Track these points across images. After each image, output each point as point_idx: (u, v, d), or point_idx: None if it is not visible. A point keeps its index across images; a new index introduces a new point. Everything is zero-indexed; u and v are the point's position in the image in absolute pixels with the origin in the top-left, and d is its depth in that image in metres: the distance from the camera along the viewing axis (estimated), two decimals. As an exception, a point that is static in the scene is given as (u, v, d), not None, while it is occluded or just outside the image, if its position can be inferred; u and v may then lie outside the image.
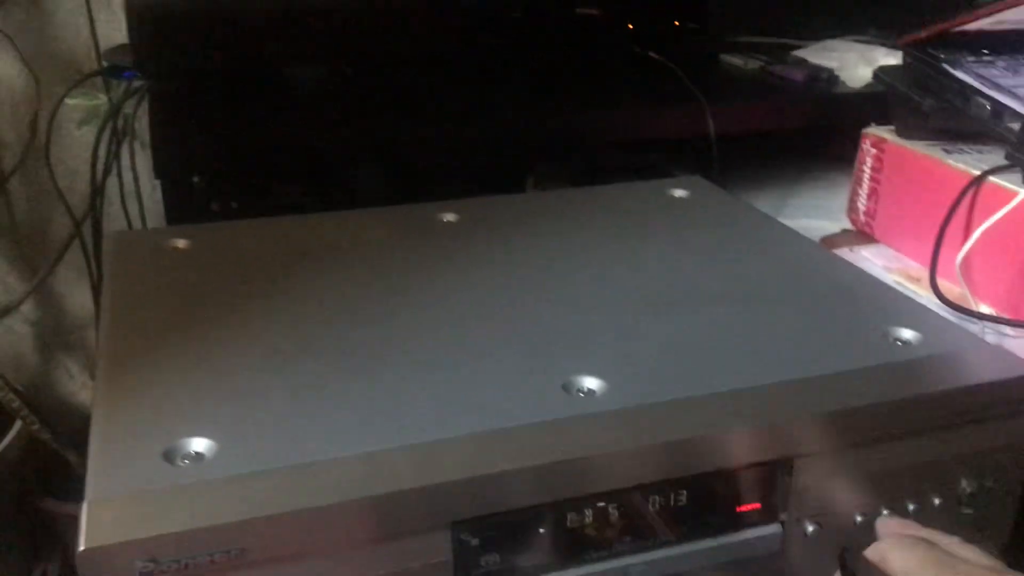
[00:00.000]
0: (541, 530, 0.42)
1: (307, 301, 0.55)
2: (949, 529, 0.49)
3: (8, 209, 1.13)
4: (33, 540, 1.12)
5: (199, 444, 0.42)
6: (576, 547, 0.43)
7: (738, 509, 0.45)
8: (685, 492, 0.44)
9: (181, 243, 0.63)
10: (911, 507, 0.48)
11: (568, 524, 0.42)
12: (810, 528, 0.47)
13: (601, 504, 0.42)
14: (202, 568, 0.37)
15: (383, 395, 0.45)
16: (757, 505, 0.45)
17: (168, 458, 0.41)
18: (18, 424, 1.06)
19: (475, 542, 0.41)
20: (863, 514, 0.47)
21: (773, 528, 0.46)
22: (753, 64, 1.00)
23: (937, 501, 0.49)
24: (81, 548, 0.35)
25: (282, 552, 0.38)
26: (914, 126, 0.78)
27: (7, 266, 1.16)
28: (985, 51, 0.75)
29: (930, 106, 0.74)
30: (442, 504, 0.40)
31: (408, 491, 0.39)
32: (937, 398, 0.47)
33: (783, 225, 0.68)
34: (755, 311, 0.54)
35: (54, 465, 1.08)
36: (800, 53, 1.02)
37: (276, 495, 0.38)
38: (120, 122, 0.96)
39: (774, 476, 0.45)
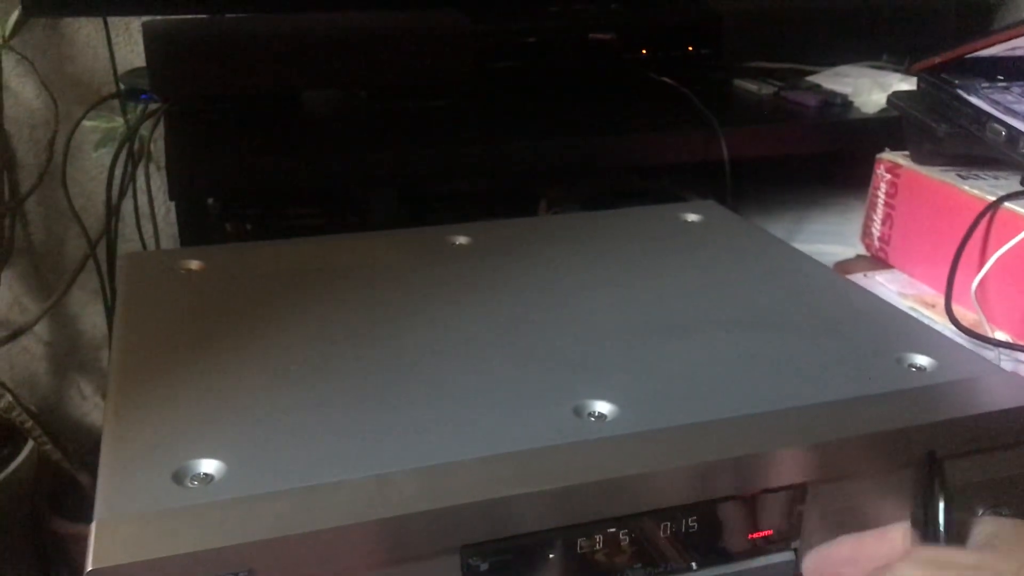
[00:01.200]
0: (551, 555, 0.42)
1: (318, 323, 0.55)
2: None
3: (24, 230, 1.14)
4: (44, 560, 1.12)
5: (208, 465, 0.41)
6: (586, 573, 0.42)
7: (751, 536, 0.45)
8: (697, 518, 0.43)
9: (194, 264, 0.63)
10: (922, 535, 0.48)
11: (578, 550, 0.42)
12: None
13: (612, 529, 0.42)
14: (211, 590, 0.37)
15: (393, 417, 0.45)
16: (770, 532, 0.45)
17: (177, 479, 0.40)
18: (30, 444, 1.06)
19: (484, 567, 0.41)
20: (877, 542, 0.47)
21: (786, 555, 0.46)
22: (767, 89, 1.00)
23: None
24: (89, 568, 0.35)
25: (291, 574, 0.38)
26: (929, 152, 0.78)
27: (23, 287, 1.17)
28: (1000, 77, 0.75)
29: (945, 132, 0.74)
30: (451, 528, 0.40)
31: (417, 514, 0.39)
32: (952, 425, 0.46)
33: (797, 250, 0.68)
34: (769, 336, 0.54)
35: (65, 485, 1.08)
36: (813, 79, 1.02)
37: (285, 517, 0.38)
38: (136, 144, 0.97)
39: (788, 502, 0.45)
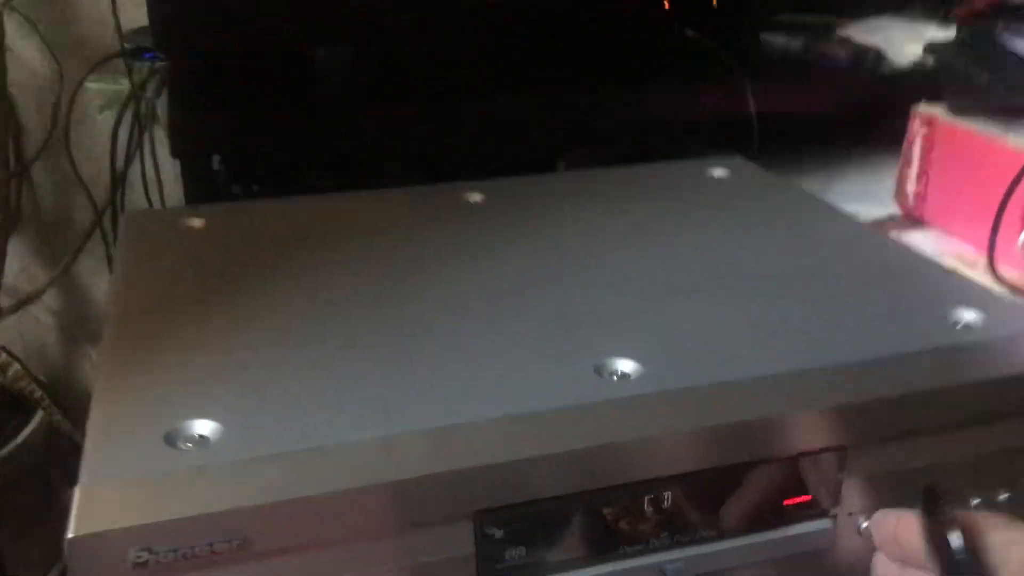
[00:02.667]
0: (571, 522, 0.39)
1: (325, 282, 0.52)
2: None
3: (32, 197, 1.11)
4: (55, 530, 1.11)
5: (203, 427, 0.39)
6: (608, 541, 0.39)
7: (785, 502, 0.41)
8: (727, 483, 0.40)
9: (196, 222, 0.60)
10: (974, 502, 0.44)
11: (600, 516, 0.39)
12: (864, 524, 0.43)
13: (636, 495, 0.39)
14: (202, 559, 0.34)
15: (403, 378, 0.42)
16: (807, 498, 0.42)
17: (170, 441, 0.38)
18: (40, 414, 1.04)
19: (499, 534, 0.38)
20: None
21: (823, 523, 0.42)
22: (795, 43, 0.95)
23: (1004, 496, 0.45)
24: (70, 535, 0.33)
25: (289, 543, 0.35)
26: (968, 102, 0.74)
27: (31, 255, 1.14)
28: (1045, 22, 0.71)
29: (986, 80, 0.70)
30: (464, 492, 0.37)
31: (427, 477, 0.36)
32: (1004, 382, 0.43)
33: (830, 205, 0.64)
34: (804, 292, 0.50)
35: (76, 456, 1.07)
36: (844, 31, 0.98)
37: (283, 481, 0.35)
38: (143, 107, 0.94)
39: (825, 466, 0.41)
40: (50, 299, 1.17)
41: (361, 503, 0.36)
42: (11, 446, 0.99)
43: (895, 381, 0.41)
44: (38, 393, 1.03)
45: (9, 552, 0.92)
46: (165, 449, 0.37)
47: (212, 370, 0.43)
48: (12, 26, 1.02)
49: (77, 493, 0.34)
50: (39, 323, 1.18)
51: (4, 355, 1.04)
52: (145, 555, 0.33)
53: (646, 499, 0.39)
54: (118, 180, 0.97)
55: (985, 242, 0.67)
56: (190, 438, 0.38)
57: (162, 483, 0.35)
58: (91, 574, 0.33)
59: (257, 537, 0.34)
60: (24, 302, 1.07)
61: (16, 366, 1.03)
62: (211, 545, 0.34)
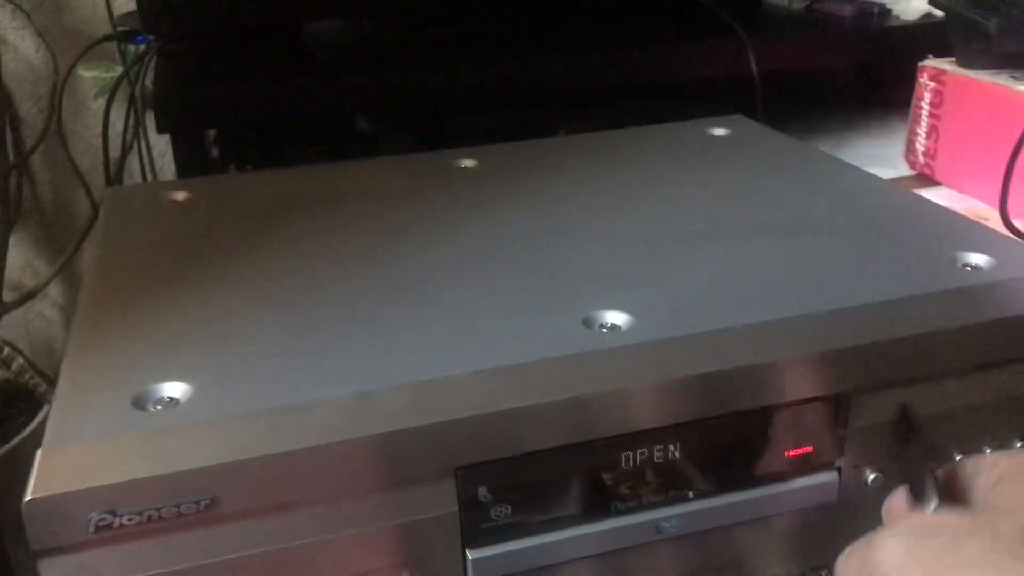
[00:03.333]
0: (559, 478, 0.37)
1: (309, 248, 0.50)
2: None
3: (32, 189, 1.10)
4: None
5: (174, 389, 0.37)
6: (600, 498, 0.38)
7: (787, 454, 0.39)
8: (724, 434, 0.38)
9: (180, 195, 0.58)
10: (987, 451, 0.42)
11: (590, 471, 0.37)
12: (871, 476, 0.41)
13: (627, 448, 0.37)
14: (168, 521, 0.32)
15: (384, 335, 0.41)
16: (809, 449, 0.40)
17: (138, 404, 0.36)
18: (45, 408, 1.04)
19: (484, 491, 0.36)
20: (933, 461, 0.41)
21: (828, 476, 0.40)
22: (798, 4, 0.93)
23: (1019, 444, 0.42)
24: (27, 498, 0.31)
25: (260, 502, 0.33)
26: (977, 53, 0.71)
27: (34, 249, 1.14)
28: (1056, -37, 0.68)
29: (997, 26, 0.68)
30: (446, 447, 0.35)
31: (406, 431, 0.34)
32: (1015, 324, 0.40)
33: (835, 158, 0.62)
34: (806, 240, 0.48)
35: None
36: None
37: (255, 438, 0.34)
38: (137, 91, 0.93)
39: (828, 415, 0.39)
40: (55, 293, 1.16)
41: (338, 459, 0.34)
42: (17, 440, 0.98)
43: (898, 323, 0.39)
44: (43, 387, 1.02)
45: (13, 548, 0.92)
46: (133, 412, 0.36)
47: (185, 333, 0.41)
48: (5, 17, 1.02)
49: (38, 456, 0.33)
50: (44, 318, 1.17)
51: (9, 350, 1.04)
52: (108, 518, 0.32)
53: (638, 452, 0.37)
54: (114, 166, 0.96)
55: (998, 197, 0.65)
56: (159, 400, 0.36)
57: (126, 444, 0.34)
58: (52, 540, 0.32)
59: (227, 498, 0.33)
60: (28, 296, 1.06)
61: (20, 360, 1.02)
62: (178, 506, 0.32)
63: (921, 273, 0.44)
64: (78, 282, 1.17)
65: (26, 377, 1.01)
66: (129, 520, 0.32)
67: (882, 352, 0.39)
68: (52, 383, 1.05)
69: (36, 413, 1.04)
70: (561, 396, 0.36)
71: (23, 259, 1.13)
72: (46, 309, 1.17)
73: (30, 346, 1.15)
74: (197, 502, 0.33)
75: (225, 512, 0.33)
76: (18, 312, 1.09)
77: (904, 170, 0.83)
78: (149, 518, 0.32)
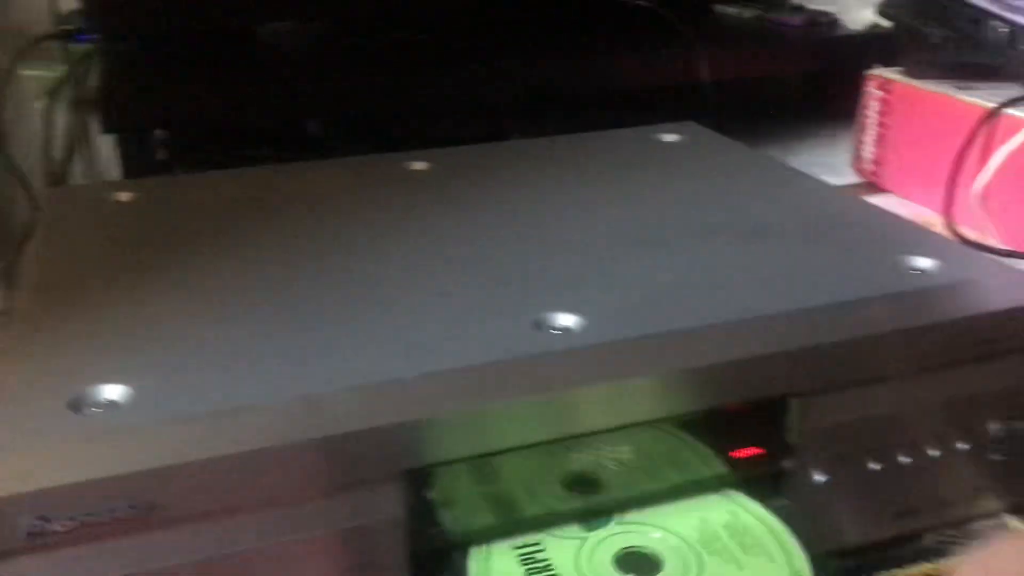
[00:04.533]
0: (505, 481, 0.36)
1: (256, 250, 0.49)
2: (976, 477, 0.43)
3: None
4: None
5: (113, 391, 0.36)
6: (548, 499, 0.37)
7: (732, 454, 0.39)
8: (672, 434, 0.38)
9: (125, 196, 0.57)
10: (933, 453, 0.42)
11: (537, 474, 0.37)
12: (818, 478, 0.41)
13: (575, 449, 0.37)
14: (103, 526, 0.31)
15: (331, 338, 0.40)
16: (757, 451, 0.40)
17: (75, 407, 0.35)
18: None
19: (431, 494, 0.35)
20: (879, 462, 0.42)
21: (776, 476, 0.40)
22: (749, 13, 0.94)
23: (962, 446, 0.43)
24: (-56, 509, 0.30)
25: (201, 508, 0.33)
26: (923, 63, 0.73)
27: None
28: (997, -24, 0.70)
29: (940, 37, 0.69)
30: (391, 450, 0.34)
31: (351, 434, 0.34)
32: (958, 326, 0.41)
33: (784, 164, 0.63)
34: (754, 244, 0.48)
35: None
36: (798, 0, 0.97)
37: (196, 441, 0.33)
38: (82, 91, 0.91)
39: (775, 417, 0.39)
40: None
41: (281, 463, 0.33)
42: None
43: (843, 326, 0.40)
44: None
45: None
46: (69, 414, 0.35)
47: (125, 335, 0.40)
48: (-56, 16, 0.99)
49: (-34, 462, 0.32)
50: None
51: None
52: (41, 524, 0.31)
53: (584, 455, 0.37)
54: (57, 168, 0.93)
55: (941, 205, 0.66)
56: (97, 403, 0.35)
57: (61, 447, 0.32)
58: (-19, 547, 0.30)
59: (166, 503, 0.32)
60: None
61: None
62: (113, 512, 0.31)
63: (868, 276, 0.44)
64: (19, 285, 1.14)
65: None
66: (63, 527, 0.31)
67: (827, 355, 0.39)
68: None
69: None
70: (511, 399, 0.35)
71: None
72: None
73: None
74: (134, 507, 0.32)
75: (164, 518, 0.32)
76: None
77: (852, 177, 0.84)
78: (84, 524, 0.31)
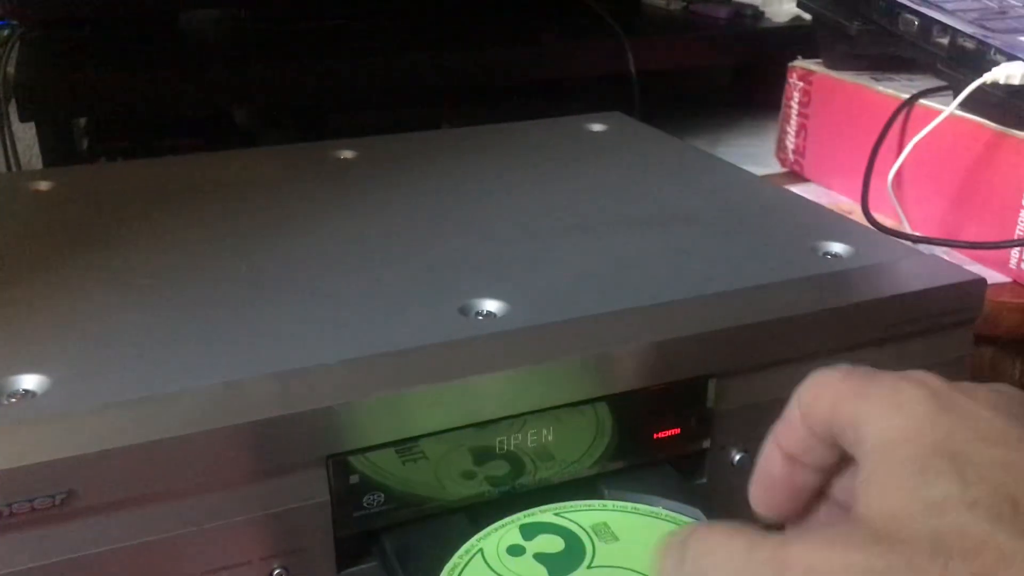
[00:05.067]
0: (430, 464, 0.37)
1: (178, 239, 0.49)
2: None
3: None
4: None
5: (29, 381, 0.35)
6: (473, 483, 0.38)
7: (656, 436, 0.40)
8: (595, 415, 0.39)
9: (43, 185, 0.56)
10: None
11: (462, 456, 0.37)
12: (736, 456, 0.42)
13: (498, 433, 0.37)
14: (20, 517, 0.31)
15: (251, 324, 0.40)
16: (676, 431, 0.41)
17: (-9, 397, 0.35)
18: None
19: (355, 479, 0.36)
20: (795, 441, 0.43)
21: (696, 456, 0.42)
22: (676, 5, 0.95)
23: (874, 423, 0.44)
24: None
25: (120, 495, 0.32)
26: (842, 54, 0.75)
27: None
28: (911, -30, 0.72)
29: (857, 29, 0.71)
30: (315, 435, 0.34)
31: (273, 419, 0.34)
32: (871, 307, 0.42)
33: (708, 154, 0.64)
34: (675, 231, 0.50)
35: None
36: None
37: (116, 428, 0.33)
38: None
39: (694, 397, 0.40)
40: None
41: (203, 449, 0.33)
42: None
43: (759, 308, 0.41)
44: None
45: None
46: (-16, 405, 0.34)
47: (44, 325, 0.40)
48: None
49: None
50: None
51: None
52: (-44, 514, 0.30)
53: (512, 437, 0.38)
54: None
55: (859, 194, 0.68)
56: (13, 393, 0.35)
57: (-25, 438, 0.32)
58: None
59: (86, 491, 0.32)
60: None
61: None
62: (31, 501, 0.31)
63: (785, 261, 0.46)
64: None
65: None
66: (-21, 517, 0.31)
67: (742, 336, 0.40)
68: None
69: None
70: (434, 383, 0.36)
71: None
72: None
73: None
74: (52, 496, 0.31)
75: (83, 506, 0.32)
76: None
77: (775, 167, 0.86)
78: (2, 514, 0.31)
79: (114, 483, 0.32)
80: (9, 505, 0.31)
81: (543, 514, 0.36)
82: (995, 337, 0.60)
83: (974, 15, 0.64)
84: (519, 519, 0.35)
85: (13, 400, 0.35)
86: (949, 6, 0.65)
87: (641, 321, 0.40)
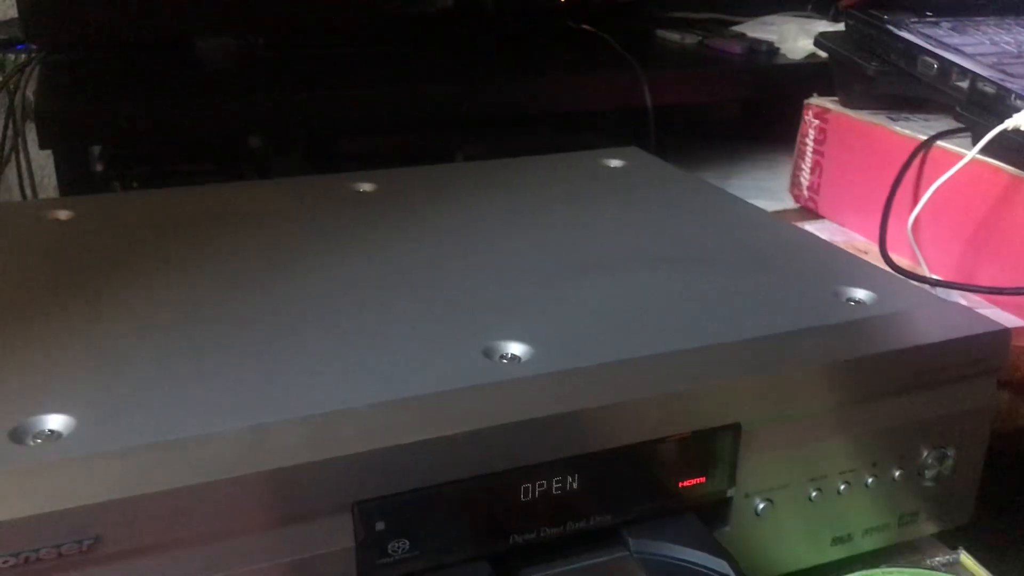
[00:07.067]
0: (457, 511, 0.37)
1: (200, 273, 0.49)
2: (910, 502, 0.45)
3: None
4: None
5: (55, 421, 0.35)
6: (499, 530, 0.38)
7: (681, 484, 0.40)
8: (620, 464, 0.39)
9: (63, 214, 0.56)
10: (869, 480, 0.44)
11: (489, 504, 0.37)
12: (760, 505, 0.42)
13: (527, 480, 0.37)
14: (47, 563, 0.31)
15: (277, 366, 0.40)
16: (701, 479, 0.40)
17: (16, 438, 0.34)
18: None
19: (381, 525, 0.35)
20: (818, 489, 0.43)
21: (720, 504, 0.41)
22: (690, 39, 0.96)
23: (897, 473, 0.44)
24: None
25: (147, 541, 0.32)
26: (859, 93, 0.75)
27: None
28: (928, 12, 0.72)
29: (875, 70, 0.71)
30: (341, 481, 0.34)
31: (300, 466, 0.33)
32: (895, 357, 0.42)
33: (726, 191, 0.64)
34: (696, 273, 0.49)
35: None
36: (738, 28, 0.99)
37: (139, 474, 0.32)
38: (17, 102, 0.89)
39: (719, 446, 0.40)
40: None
41: (230, 495, 0.33)
42: None
43: (787, 357, 0.41)
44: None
45: None
46: (10, 445, 0.34)
47: (67, 363, 0.40)
48: None
49: (-97, 496, 0.31)
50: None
51: None
52: (-18, 560, 0.30)
53: (538, 485, 0.37)
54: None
55: (876, 231, 0.68)
56: (39, 433, 0.35)
57: (2, 480, 0.32)
58: (-82, 585, 0.30)
59: (113, 537, 0.32)
60: None
61: None
62: (59, 548, 0.31)
63: (808, 307, 0.46)
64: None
65: None
66: (4, 563, 0.30)
67: (768, 385, 0.40)
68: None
69: None
70: (460, 430, 0.35)
71: None
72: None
73: None
74: (79, 542, 0.31)
75: (110, 553, 0.32)
76: None
77: (788, 202, 0.86)
78: (27, 560, 0.30)
79: (141, 529, 0.32)
80: (36, 551, 0.30)
81: None
82: (1010, 382, 0.59)
83: (992, 59, 0.65)
84: None
85: (39, 441, 0.34)
86: (968, 49, 0.65)
87: (667, 368, 0.40)
